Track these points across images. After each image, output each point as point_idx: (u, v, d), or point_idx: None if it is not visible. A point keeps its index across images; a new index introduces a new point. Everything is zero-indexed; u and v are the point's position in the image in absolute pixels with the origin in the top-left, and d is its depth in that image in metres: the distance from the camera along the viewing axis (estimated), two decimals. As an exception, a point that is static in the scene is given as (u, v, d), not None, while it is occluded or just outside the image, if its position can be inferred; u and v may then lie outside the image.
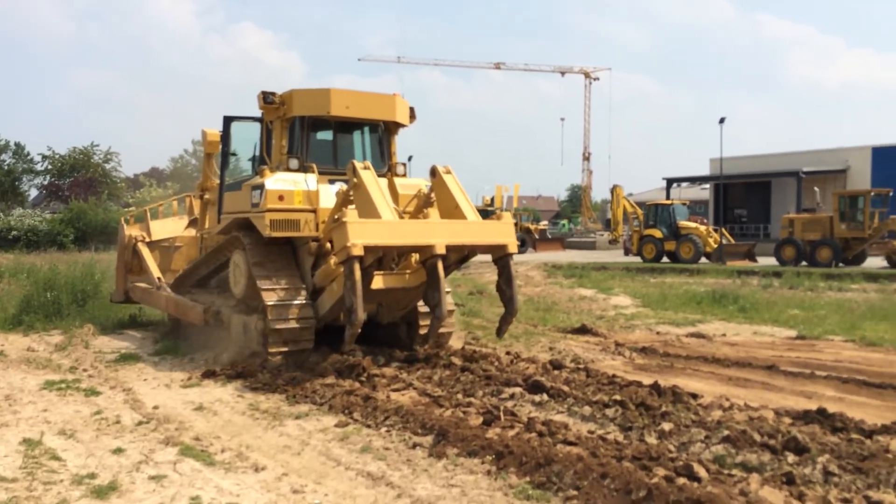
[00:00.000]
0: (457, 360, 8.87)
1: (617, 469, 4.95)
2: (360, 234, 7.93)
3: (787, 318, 14.21)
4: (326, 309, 9.07)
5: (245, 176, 10.77)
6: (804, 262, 29.10)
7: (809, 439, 5.56)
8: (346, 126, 10.37)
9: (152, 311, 13.38)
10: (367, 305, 8.73)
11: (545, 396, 7.24)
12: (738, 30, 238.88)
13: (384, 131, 10.56)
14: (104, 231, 41.13)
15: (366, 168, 8.82)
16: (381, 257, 8.38)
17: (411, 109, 10.69)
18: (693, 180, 55.72)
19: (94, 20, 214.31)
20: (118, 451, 5.96)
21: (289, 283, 9.21)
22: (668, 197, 47.71)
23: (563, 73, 79.58)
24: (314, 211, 9.30)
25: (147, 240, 13.12)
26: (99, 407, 7.44)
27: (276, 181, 9.22)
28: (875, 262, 29.47)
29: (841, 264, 28.61)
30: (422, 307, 9.56)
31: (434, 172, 9.58)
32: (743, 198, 51.35)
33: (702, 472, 4.85)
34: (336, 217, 8.32)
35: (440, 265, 8.31)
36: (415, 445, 6.00)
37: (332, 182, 9.66)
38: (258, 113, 10.31)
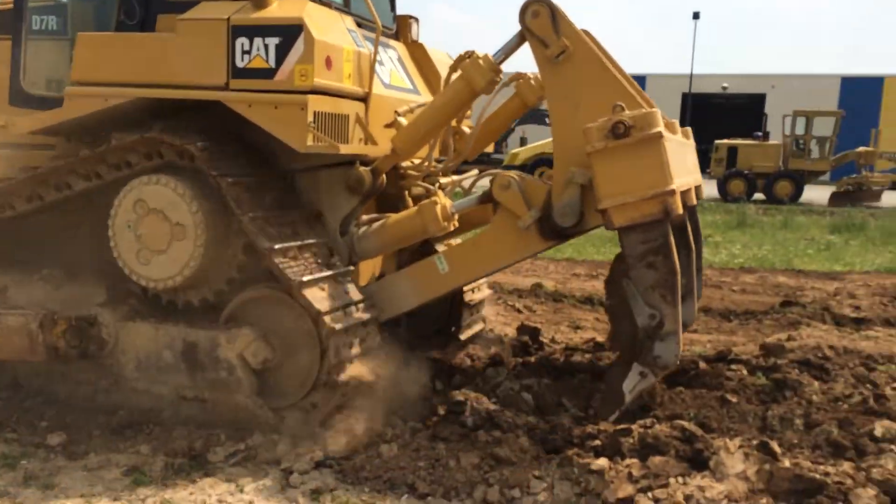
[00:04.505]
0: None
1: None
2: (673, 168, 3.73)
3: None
4: (407, 305, 4.38)
5: None
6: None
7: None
8: None
9: None
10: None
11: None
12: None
13: None
14: None
15: (573, 27, 4.00)
16: None
17: None
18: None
19: None
20: None
21: (320, 257, 4.17)
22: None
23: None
24: (364, 100, 4.31)
25: None
26: None
27: (318, 22, 3.96)
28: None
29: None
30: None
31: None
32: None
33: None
34: (613, 125, 3.60)
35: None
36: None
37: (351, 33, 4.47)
38: None
